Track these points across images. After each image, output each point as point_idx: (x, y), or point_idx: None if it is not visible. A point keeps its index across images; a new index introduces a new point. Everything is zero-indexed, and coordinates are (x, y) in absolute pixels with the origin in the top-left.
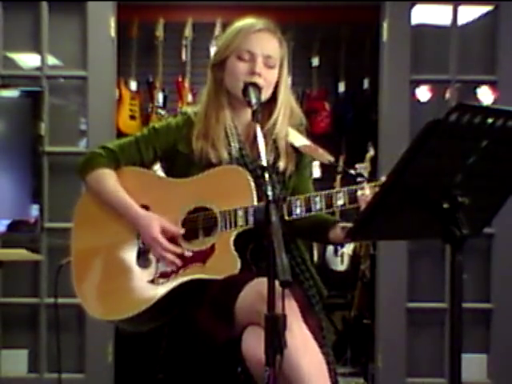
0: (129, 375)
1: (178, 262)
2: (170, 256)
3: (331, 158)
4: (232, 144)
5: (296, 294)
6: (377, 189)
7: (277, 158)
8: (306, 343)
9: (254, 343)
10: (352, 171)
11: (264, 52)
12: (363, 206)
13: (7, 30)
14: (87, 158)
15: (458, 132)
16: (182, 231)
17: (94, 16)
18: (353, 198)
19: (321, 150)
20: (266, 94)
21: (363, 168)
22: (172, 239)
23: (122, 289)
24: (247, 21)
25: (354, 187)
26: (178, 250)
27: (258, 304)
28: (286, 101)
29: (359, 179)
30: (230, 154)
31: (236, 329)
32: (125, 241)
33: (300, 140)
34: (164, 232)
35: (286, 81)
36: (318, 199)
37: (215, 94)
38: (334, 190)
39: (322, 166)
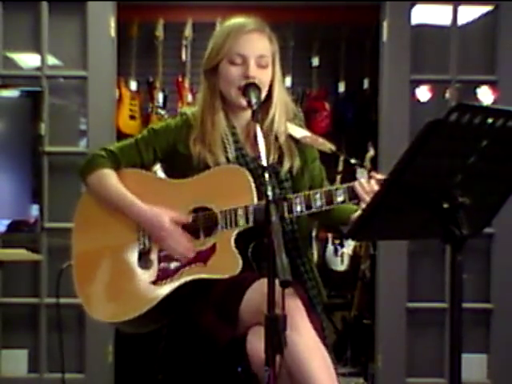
0: (129, 375)
1: (190, 254)
2: (181, 249)
3: (332, 147)
4: (228, 148)
5: (299, 294)
6: (373, 182)
7: (281, 156)
8: (312, 341)
9: (258, 343)
10: (353, 160)
11: (256, 53)
12: (363, 195)
13: (7, 29)
14: (88, 159)
15: (458, 132)
16: (190, 219)
17: (94, 16)
18: (353, 194)
19: (321, 140)
20: (262, 95)
21: (363, 169)
22: (184, 229)
23: (124, 290)
24: (235, 22)
25: (353, 183)
26: (190, 241)
27: (263, 305)
28: (281, 96)
29: (359, 170)
30: (227, 157)
31: (239, 329)
32: (126, 242)
33: (300, 132)
34: (175, 221)
35: (280, 77)
36: (318, 196)
37: (210, 99)
38: (334, 187)
39: (322, 165)
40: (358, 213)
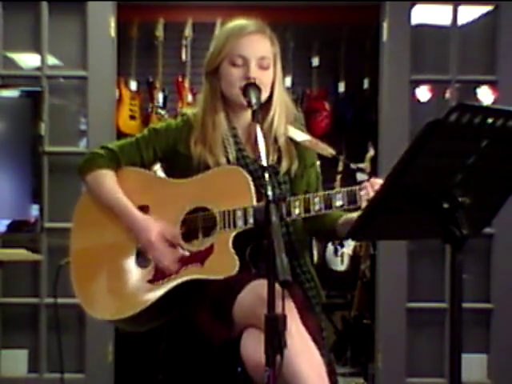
0: (129, 375)
1: (174, 268)
2: (166, 262)
3: (333, 152)
4: (228, 149)
5: (295, 295)
6: (376, 187)
7: (280, 157)
8: (304, 345)
9: (252, 346)
10: (353, 165)
11: (257, 54)
12: (364, 204)
13: (7, 29)
14: (87, 158)
15: (458, 132)
16: (179, 231)
17: (94, 16)
18: (352, 198)
19: (322, 144)
20: (263, 96)
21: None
22: (171, 243)
23: (121, 288)
24: (236, 24)
25: (353, 188)
26: (175, 255)
27: (257, 307)
28: (281, 97)
29: (359, 173)
30: (227, 158)
31: (235, 330)
32: (124, 241)
33: (300, 135)
34: (162, 235)
35: (281, 78)
36: (317, 200)
37: (211, 100)
38: (334, 191)
39: (323, 165)
40: (353, 214)
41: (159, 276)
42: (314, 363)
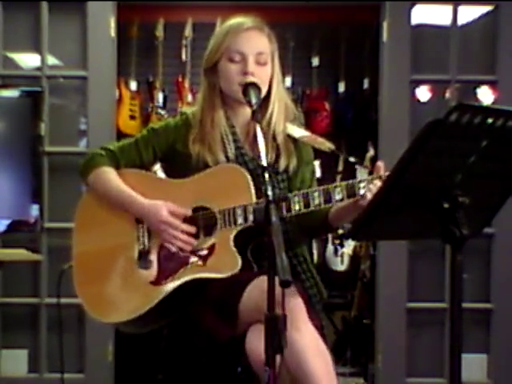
0: (129, 375)
1: (193, 240)
2: (182, 236)
3: (332, 146)
4: (227, 146)
5: (299, 293)
6: (377, 182)
7: (278, 155)
8: (312, 340)
9: (258, 342)
10: (352, 159)
11: (254, 50)
12: (368, 196)
13: (7, 30)
14: (88, 158)
15: (458, 132)
16: (190, 212)
17: (94, 16)
18: (351, 192)
19: (320, 139)
20: (262, 93)
21: (363, 169)
22: (182, 220)
23: (123, 291)
24: (234, 21)
25: (352, 181)
26: (191, 229)
27: (262, 303)
28: (280, 95)
29: (359, 171)
30: (226, 156)
31: (239, 327)
32: (125, 242)
33: (299, 132)
34: (172, 212)
35: (279, 75)
36: (316, 194)
37: (210, 98)
38: (332, 185)
39: (323, 165)
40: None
41: (161, 277)
42: (324, 360)
